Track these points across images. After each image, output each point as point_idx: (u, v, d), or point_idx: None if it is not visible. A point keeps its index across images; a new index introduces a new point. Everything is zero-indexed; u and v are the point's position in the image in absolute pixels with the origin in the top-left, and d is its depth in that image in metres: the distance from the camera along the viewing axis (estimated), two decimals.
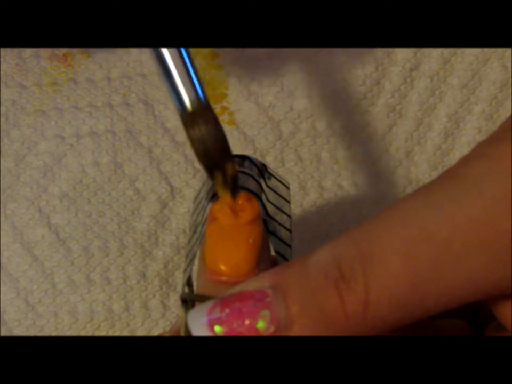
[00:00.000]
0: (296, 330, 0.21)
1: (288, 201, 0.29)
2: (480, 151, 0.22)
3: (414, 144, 0.40)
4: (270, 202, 0.28)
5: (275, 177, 0.29)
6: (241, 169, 0.28)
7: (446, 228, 0.21)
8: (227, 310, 0.22)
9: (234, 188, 0.26)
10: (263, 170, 0.29)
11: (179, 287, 0.37)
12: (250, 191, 0.27)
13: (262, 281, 0.22)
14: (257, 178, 0.28)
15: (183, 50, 0.26)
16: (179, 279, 0.37)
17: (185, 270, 0.28)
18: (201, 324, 0.22)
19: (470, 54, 0.41)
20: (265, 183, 0.28)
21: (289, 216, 0.29)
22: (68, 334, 0.35)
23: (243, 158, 0.29)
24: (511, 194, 0.20)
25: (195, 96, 0.25)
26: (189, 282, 0.28)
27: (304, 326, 0.21)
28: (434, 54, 0.41)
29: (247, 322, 0.21)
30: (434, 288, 0.21)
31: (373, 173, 0.39)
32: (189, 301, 0.27)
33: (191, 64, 0.26)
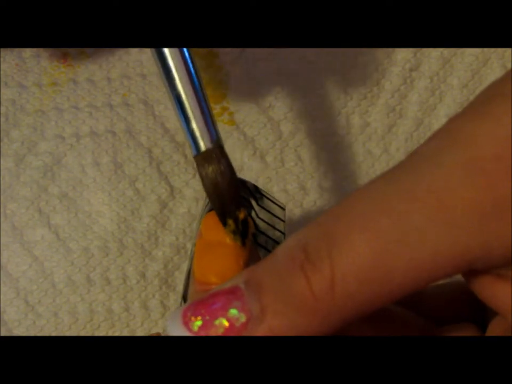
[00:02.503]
0: (269, 318, 0.21)
1: (283, 221, 0.30)
2: (439, 129, 0.22)
3: (414, 144, 0.40)
4: (261, 219, 0.29)
5: (269, 199, 0.30)
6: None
7: (405, 200, 0.21)
8: (201, 307, 0.22)
9: (245, 233, 0.26)
10: (253, 190, 0.29)
11: (179, 287, 0.37)
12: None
13: (236, 279, 0.22)
14: (246, 196, 0.29)
15: (197, 87, 0.26)
16: (179, 279, 0.37)
17: (183, 287, 0.29)
18: (176, 322, 0.22)
19: (470, 54, 0.41)
20: (257, 202, 0.29)
21: (282, 233, 0.30)
22: (67, 334, 0.35)
23: None
24: (470, 163, 0.20)
25: (211, 137, 0.26)
26: (184, 298, 0.28)
27: (276, 313, 0.21)
28: (434, 54, 0.41)
29: (219, 313, 0.22)
30: (399, 262, 0.21)
31: (373, 173, 0.39)
32: None
33: (207, 108, 0.26)
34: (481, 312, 0.26)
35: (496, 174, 0.20)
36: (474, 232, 0.20)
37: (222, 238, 0.26)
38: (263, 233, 0.29)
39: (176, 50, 0.26)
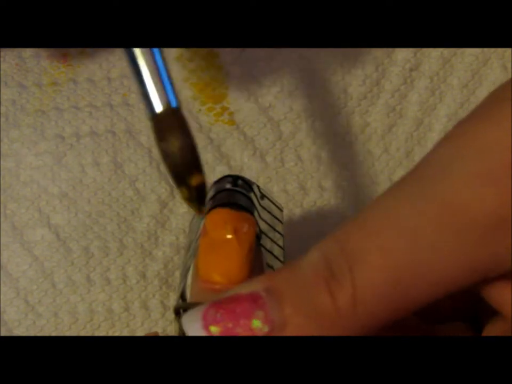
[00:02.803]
0: (290, 330, 0.21)
1: (281, 222, 0.30)
2: (448, 135, 0.22)
3: (414, 144, 0.40)
4: (263, 219, 0.28)
5: (268, 198, 0.30)
6: (234, 188, 0.29)
7: (416, 216, 0.21)
8: (221, 311, 0.22)
9: (200, 200, 0.25)
10: (255, 189, 0.29)
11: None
12: (242, 207, 0.28)
13: (255, 285, 0.22)
14: (249, 195, 0.29)
15: (155, 51, 0.25)
16: (179, 279, 0.37)
17: (179, 285, 0.29)
18: (196, 325, 0.22)
19: (470, 54, 0.41)
20: (258, 201, 0.29)
21: (281, 235, 0.29)
22: (67, 334, 0.35)
23: (236, 177, 0.29)
24: (480, 173, 0.20)
25: (165, 101, 0.25)
26: (182, 297, 0.28)
27: (297, 325, 0.21)
28: (434, 54, 0.41)
29: (242, 322, 0.22)
30: (415, 279, 0.21)
31: (373, 173, 0.39)
32: (182, 312, 0.27)
33: (163, 66, 0.25)
34: (473, 311, 0.26)
35: (507, 184, 0.20)
36: (487, 244, 0.21)
37: (227, 235, 0.26)
38: (265, 234, 0.29)
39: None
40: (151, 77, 0.25)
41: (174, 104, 0.25)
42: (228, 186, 0.29)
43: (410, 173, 0.22)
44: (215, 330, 0.22)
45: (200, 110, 0.39)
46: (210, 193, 0.29)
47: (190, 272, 0.28)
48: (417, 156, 0.40)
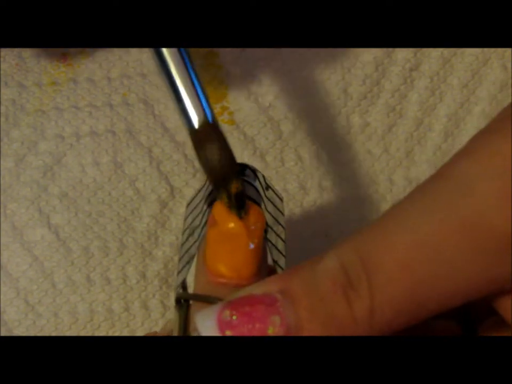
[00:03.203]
0: (305, 335, 0.22)
1: (283, 214, 0.30)
2: (470, 147, 0.22)
3: (414, 144, 0.40)
4: (268, 212, 0.28)
5: (272, 189, 0.29)
6: (242, 177, 0.28)
7: (439, 233, 0.21)
8: (236, 314, 0.22)
9: (240, 206, 0.26)
10: (261, 179, 0.29)
11: None
12: (251, 199, 0.28)
13: (270, 286, 0.22)
14: (257, 187, 0.28)
15: (190, 68, 0.26)
16: (178, 265, 0.37)
17: (179, 272, 0.28)
18: (211, 325, 0.22)
19: (470, 54, 0.41)
20: (264, 192, 0.29)
21: (284, 228, 0.29)
22: (67, 334, 0.35)
23: (244, 166, 0.29)
24: (503, 191, 0.20)
25: (203, 116, 0.26)
26: (183, 285, 0.28)
27: (312, 332, 0.22)
28: (434, 54, 0.41)
29: (257, 326, 0.22)
30: (433, 293, 0.21)
31: (372, 173, 0.39)
32: (183, 301, 0.27)
33: (198, 84, 0.26)
34: (462, 310, 0.26)
35: None
36: (507, 262, 0.21)
37: (237, 228, 0.26)
38: (270, 227, 0.29)
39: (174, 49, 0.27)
40: (187, 93, 0.26)
41: (210, 118, 0.26)
42: None
43: (431, 184, 0.22)
44: (230, 333, 0.22)
45: None
46: None
47: (195, 260, 0.28)
48: (417, 156, 0.40)
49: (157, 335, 0.30)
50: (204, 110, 0.26)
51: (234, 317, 0.22)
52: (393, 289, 0.21)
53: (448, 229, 0.21)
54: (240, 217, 0.26)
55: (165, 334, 0.29)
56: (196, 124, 0.26)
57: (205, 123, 0.26)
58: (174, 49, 0.26)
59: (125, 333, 0.36)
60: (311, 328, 0.21)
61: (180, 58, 0.26)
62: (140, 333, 0.36)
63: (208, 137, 0.26)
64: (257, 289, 0.22)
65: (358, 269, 0.21)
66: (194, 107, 0.26)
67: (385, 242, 0.21)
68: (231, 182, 0.26)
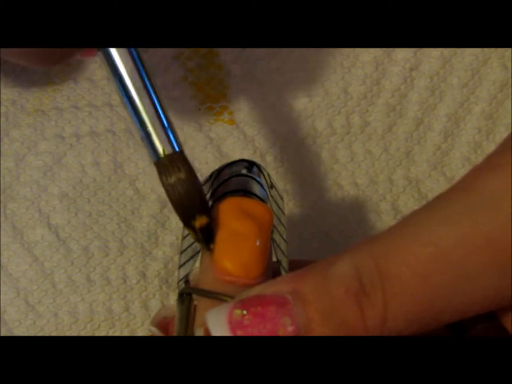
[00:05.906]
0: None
1: (284, 213, 0.30)
2: (494, 162, 0.22)
3: (414, 144, 0.40)
4: (273, 211, 0.28)
5: (275, 189, 0.29)
6: (249, 174, 0.28)
7: (461, 248, 0.21)
8: (247, 313, 0.22)
9: (207, 240, 0.26)
10: (266, 177, 0.29)
11: None
12: (257, 196, 0.27)
13: (280, 286, 0.22)
14: (263, 185, 0.28)
15: (154, 98, 0.26)
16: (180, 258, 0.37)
17: (181, 266, 0.28)
18: (222, 324, 0.22)
19: (470, 54, 0.41)
20: (269, 191, 0.29)
21: (285, 228, 0.29)
22: (68, 334, 0.35)
23: (251, 163, 0.29)
24: None
25: (168, 145, 0.26)
26: (186, 279, 0.28)
27: (322, 334, 0.21)
28: (434, 54, 0.41)
29: (268, 327, 0.22)
30: (448, 305, 0.21)
31: (372, 172, 0.39)
32: (185, 295, 0.27)
33: (163, 113, 0.26)
34: None
35: None
36: None
37: (246, 227, 0.26)
38: (274, 227, 0.28)
39: (125, 52, 0.26)
40: (152, 122, 0.26)
41: (176, 148, 0.26)
42: (244, 171, 0.28)
43: (452, 195, 0.22)
44: (241, 333, 0.22)
45: (199, 109, 0.39)
46: (222, 177, 0.28)
47: (199, 255, 0.27)
48: (417, 156, 0.40)
49: (151, 325, 0.29)
50: (169, 138, 0.26)
51: (246, 318, 0.22)
52: (408, 299, 0.21)
53: (472, 244, 0.21)
54: (208, 250, 0.26)
55: (159, 321, 0.29)
56: (161, 153, 0.26)
57: (171, 153, 0.25)
58: (136, 76, 0.26)
59: (125, 333, 0.36)
60: (321, 332, 0.21)
61: (141, 85, 0.26)
62: (140, 333, 0.36)
63: (173, 169, 0.25)
64: (268, 289, 0.22)
65: (374, 276, 0.21)
66: (158, 136, 0.26)
67: (404, 252, 0.21)
68: (195, 217, 0.25)
